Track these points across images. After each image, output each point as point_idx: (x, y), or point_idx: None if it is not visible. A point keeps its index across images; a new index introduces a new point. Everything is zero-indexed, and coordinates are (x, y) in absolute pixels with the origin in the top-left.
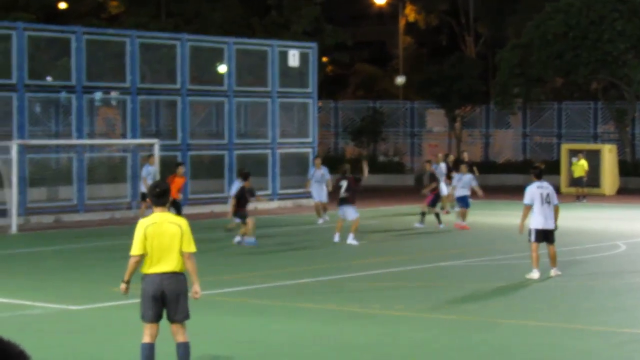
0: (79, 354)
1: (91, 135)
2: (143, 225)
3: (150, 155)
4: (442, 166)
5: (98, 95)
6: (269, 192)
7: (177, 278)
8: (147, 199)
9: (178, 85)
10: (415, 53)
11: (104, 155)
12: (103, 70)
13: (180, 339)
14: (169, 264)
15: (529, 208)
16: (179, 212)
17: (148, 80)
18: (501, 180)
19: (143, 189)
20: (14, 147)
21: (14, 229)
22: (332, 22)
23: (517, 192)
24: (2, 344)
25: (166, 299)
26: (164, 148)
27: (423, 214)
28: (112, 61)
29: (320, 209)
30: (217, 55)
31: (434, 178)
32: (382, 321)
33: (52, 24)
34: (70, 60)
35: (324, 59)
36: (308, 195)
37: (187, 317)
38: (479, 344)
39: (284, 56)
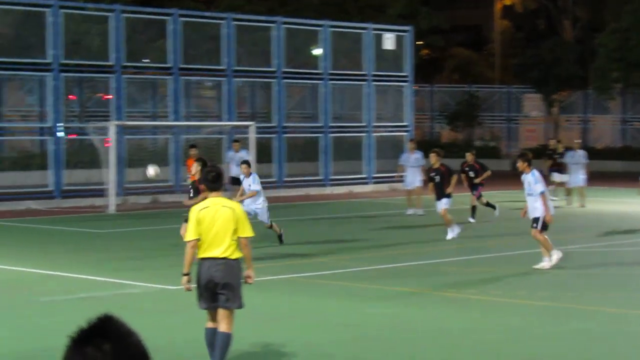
0: (176, 333)
1: (187, 117)
2: (196, 210)
3: (235, 141)
4: (581, 153)
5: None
6: (364, 175)
7: (228, 264)
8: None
9: (274, 68)
10: (512, 37)
11: (200, 137)
12: (199, 53)
13: (223, 328)
14: (220, 249)
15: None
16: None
17: (244, 63)
18: (600, 166)
19: (232, 172)
20: (111, 128)
21: (112, 208)
22: (427, 5)
23: (615, 178)
24: (124, 335)
25: (217, 286)
26: (259, 131)
27: (474, 207)
28: (207, 43)
29: (412, 197)
30: (312, 38)
31: (484, 168)
32: (478, 306)
33: (149, 6)
34: (166, 42)
35: (420, 43)
36: (401, 180)
37: (239, 306)
38: (577, 333)
39: (379, 39)
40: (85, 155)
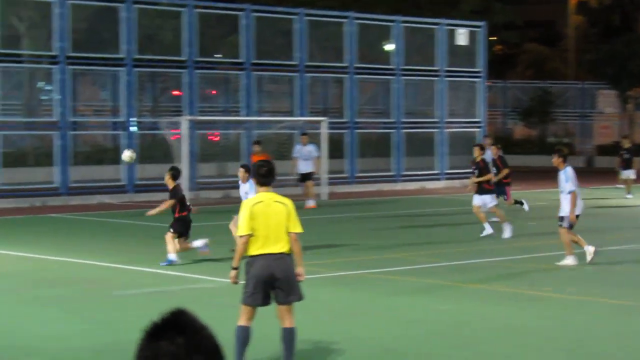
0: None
1: (259, 113)
2: (249, 205)
3: (303, 134)
4: None
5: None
6: (436, 171)
7: (285, 259)
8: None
9: (346, 63)
10: (586, 32)
11: (272, 133)
12: (271, 48)
13: (288, 324)
14: (277, 245)
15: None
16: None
17: (316, 58)
18: None
19: (300, 169)
20: (184, 123)
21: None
22: (501, 1)
23: None
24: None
25: (277, 281)
26: (331, 126)
27: (520, 203)
28: (280, 38)
29: None
30: (384, 34)
31: (505, 164)
32: (552, 304)
33: (222, 1)
34: (239, 37)
35: (493, 38)
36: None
37: (300, 298)
38: None
39: (452, 35)
40: (157, 150)
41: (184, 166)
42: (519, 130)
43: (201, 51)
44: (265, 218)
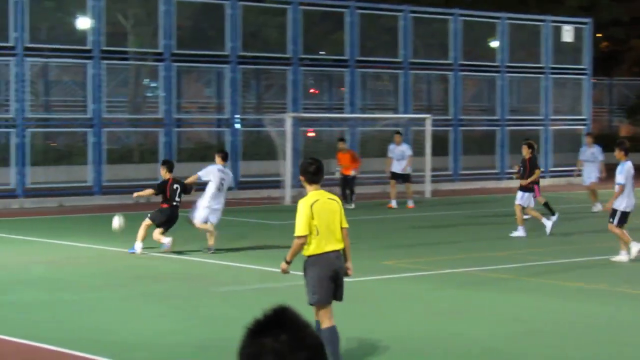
0: (356, 324)
1: (363, 110)
2: (308, 204)
3: (396, 133)
4: None
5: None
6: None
7: (341, 256)
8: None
9: (450, 60)
10: None
11: (375, 130)
12: (375, 45)
13: (333, 322)
14: (337, 242)
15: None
16: (348, 189)
17: (420, 55)
18: None
19: (394, 168)
20: (288, 120)
21: (287, 200)
22: None
23: None
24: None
25: (339, 279)
26: (435, 123)
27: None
28: (384, 35)
29: (592, 193)
30: (489, 30)
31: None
32: None
33: None
34: (343, 34)
35: (599, 35)
36: (580, 175)
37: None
38: None
39: (557, 31)
40: (261, 147)
41: (288, 163)
42: (625, 128)
43: (305, 48)
44: (325, 215)
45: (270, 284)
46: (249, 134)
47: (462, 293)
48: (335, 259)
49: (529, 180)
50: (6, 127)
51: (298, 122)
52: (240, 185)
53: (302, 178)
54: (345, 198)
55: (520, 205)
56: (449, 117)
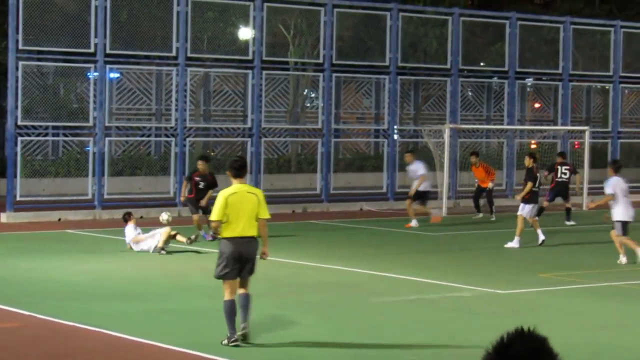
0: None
1: (522, 121)
2: (225, 195)
3: (407, 152)
4: None
5: None
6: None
7: (252, 242)
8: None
9: (611, 72)
10: None
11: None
12: (535, 56)
13: (243, 290)
14: (249, 229)
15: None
16: (487, 201)
17: (579, 67)
18: None
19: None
20: (446, 130)
21: (443, 211)
22: None
23: None
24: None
25: (243, 259)
26: (593, 135)
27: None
28: (544, 47)
29: None
30: None
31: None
32: None
33: (487, 10)
34: (504, 45)
35: None
36: None
37: (253, 272)
38: None
39: None
40: (418, 158)
41: (445, 174)
42: None
43: (465, 59)
44: (238, 206)
45: (426, 295)
46: (406, 145)
47: (624, 307)
48: (241, 243)
49: (522, 194)
50: (167, 136)
51: (456, 133)
52: (396, 196)
53: (228, 173)
54: (477, 209)
55: (522, 215)
56: (608, 130)
